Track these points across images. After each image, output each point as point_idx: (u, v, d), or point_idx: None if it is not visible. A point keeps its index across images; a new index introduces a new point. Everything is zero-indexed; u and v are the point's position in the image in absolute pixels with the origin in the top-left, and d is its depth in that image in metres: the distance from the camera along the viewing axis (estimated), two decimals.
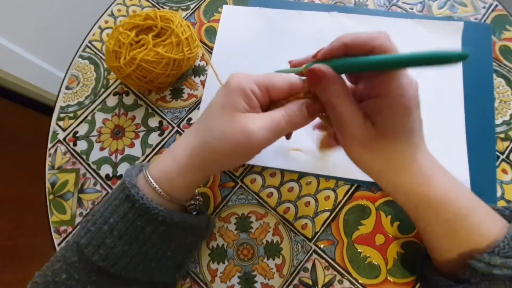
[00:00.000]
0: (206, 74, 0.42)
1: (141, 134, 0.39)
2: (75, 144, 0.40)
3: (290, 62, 0.27)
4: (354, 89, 0.26)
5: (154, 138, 0.39)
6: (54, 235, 0.36)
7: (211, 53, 0.42)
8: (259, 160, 0.36)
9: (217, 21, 0.44)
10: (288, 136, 0.31)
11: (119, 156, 0.39)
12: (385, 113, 0.22)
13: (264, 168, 0.37)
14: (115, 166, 0.38)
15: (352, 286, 0.32)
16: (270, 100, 0.26)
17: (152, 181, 0.25)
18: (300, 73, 0.26)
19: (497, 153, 0.35)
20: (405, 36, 0.40)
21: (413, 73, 0.22)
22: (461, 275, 0.23)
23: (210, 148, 0.25)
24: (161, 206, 0.25)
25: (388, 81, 0.22)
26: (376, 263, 0.32)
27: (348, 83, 0.26)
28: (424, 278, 0.29)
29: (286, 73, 0.26)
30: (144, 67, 0.35)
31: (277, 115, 0.24)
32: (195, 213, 0.30)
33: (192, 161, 0.25)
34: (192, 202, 0.29)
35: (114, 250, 0.24)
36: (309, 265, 0.33)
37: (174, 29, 0.36)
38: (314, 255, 0.33)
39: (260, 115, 0.24)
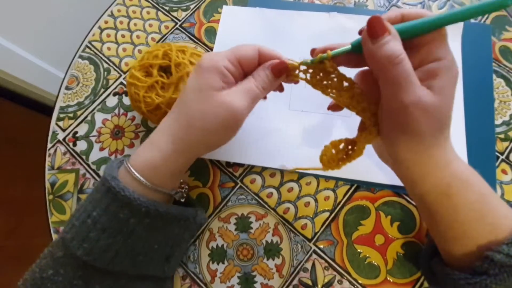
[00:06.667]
0: None
1: (140, 135, 0.39)
2: (74, 144, 0.40)
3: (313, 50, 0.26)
4: None
5: None
6: (53, 235, 0.36)
7: None
8: (259, 160, 0.36)
9: (217, 21, 0.44)
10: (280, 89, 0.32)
11: (119, 157, 0.39)
12: (444, 75, 0.22)
13: (264, 169, 0.37)
14: None
15: (352, 287, 0.32)
16: (244, 73, 0.27)
17: (134, 171, 0.26)
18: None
19: (497, 154, 0.35)
20: None
21: None
22: (478, 267, 0.22)
23: (194, 130, 0.25)
24: (144, 197, 0.25)
25: (442, 46, 0.22)
26: (375, 263, 0.32)
27: None
28: (432, 274, 0.28)
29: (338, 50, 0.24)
30: (129, 81, 0.35)
31: (250, 85, 0.26)
32: (182, 200, 0.30)
33: (176, 147, 0.26)
34: (178, 190, 0.29)
35: (98, 244, 0.24)
36: (308, 266, 0.33)
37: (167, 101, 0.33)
38: (314, 256, 0.33)
39: (235, 89, 0.26)
